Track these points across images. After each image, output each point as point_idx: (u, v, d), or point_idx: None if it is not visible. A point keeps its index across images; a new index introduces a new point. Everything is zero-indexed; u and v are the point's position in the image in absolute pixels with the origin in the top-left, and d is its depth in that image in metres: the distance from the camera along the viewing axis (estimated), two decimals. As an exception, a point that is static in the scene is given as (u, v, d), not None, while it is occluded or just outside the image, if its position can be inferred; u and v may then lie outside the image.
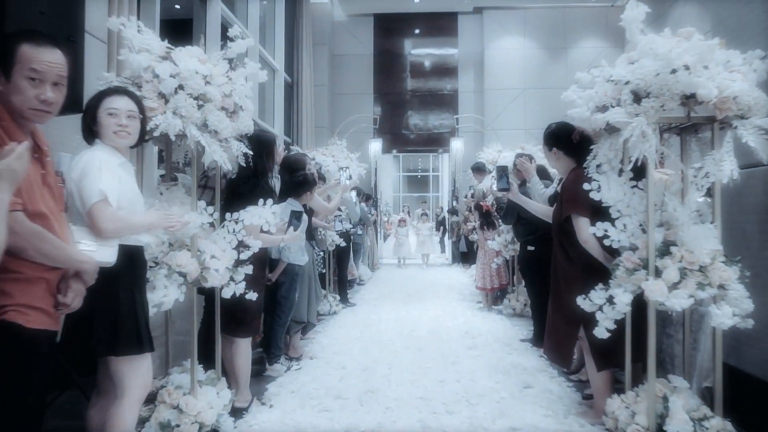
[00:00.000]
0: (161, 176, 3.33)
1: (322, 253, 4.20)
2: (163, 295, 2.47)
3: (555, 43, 12.03)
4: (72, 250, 1.66)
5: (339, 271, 6.60)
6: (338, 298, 6.36)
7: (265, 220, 2.82)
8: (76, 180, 1.91)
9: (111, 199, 1.88)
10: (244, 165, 2.94)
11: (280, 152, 3.77)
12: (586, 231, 2.66)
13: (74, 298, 1.71)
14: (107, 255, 1.86)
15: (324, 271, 4.29)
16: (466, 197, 10.55)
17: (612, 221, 2.61)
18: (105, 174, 1.89)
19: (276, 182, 3.83)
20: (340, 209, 5.86)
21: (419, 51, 12.70)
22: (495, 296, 6.42)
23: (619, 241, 2.59)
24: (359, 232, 7.58)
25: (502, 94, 11.99)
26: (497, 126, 11.26)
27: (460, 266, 11.26)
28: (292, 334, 4.09)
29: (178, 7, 8.24)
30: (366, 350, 4.36)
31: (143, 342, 1.96)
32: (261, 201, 2.84)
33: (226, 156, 2.69)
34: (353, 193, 6.84)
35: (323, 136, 10.60)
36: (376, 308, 6.40)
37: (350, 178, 6.60)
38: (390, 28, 12.60)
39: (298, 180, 3.78)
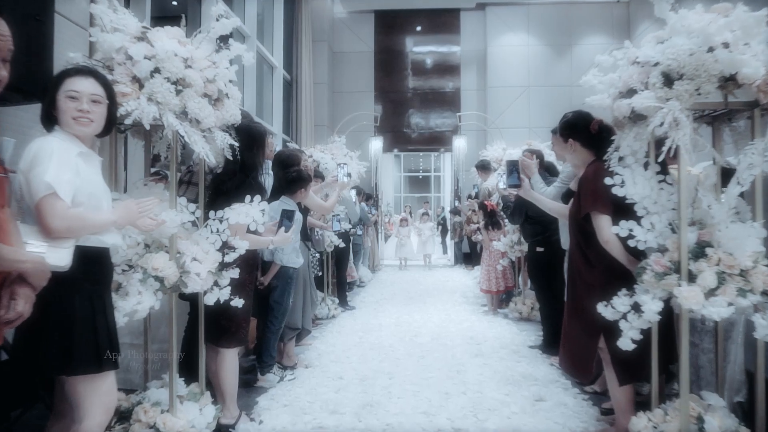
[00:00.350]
0: (152, 174, 3.06)
1: (318, 255, 3.94)
2: (137, 302, 2.20)
3: (559, 40, 11.76)
4: (6, 250, 1.39)
5: (338, 273, 6.33)
6: (337, 301, 6.09)
7: (252, 218, 2.55)
8: (25, 171, 1.64)
9: (62, 193, 1.61)
10: (231, 159, 2.68)
11: (271, 146, 3.51)
12: (607, 230, 2.38)
13: (23, 305, 1.45)
14: (59, 257, 1.59)
15: (320, 273, 4.04)
16: (469, 197, 10.29)
17: (637, 220, 2.33)
18: (56, 164, 1.62)
19: (268, 179, 3.56)
20: (338, 209, 5.59)
21: (421, 48, 12.44)
22: (500, 299, 6.15)
23: (645, 242, 2.31)
24: (359, 232, 7.31)
25: (506, 92, 11.72)
26: (500, 124, 10.98)
27: (463, 267, 10.98)
28: (285, 341, 3.82)
29: (175, 3, 7.98)
30: (365, 358, 4.08)
31: (102, 359, 1.69)
32: (248, 198, 2.57)
33: (209, 148, 2.42)
34: (353, 192, 6.57)
35: (323, 135, 10.34)
36: (377, 312, 6.13)
37: (349, 175, 6.32)
38: (391, 25, 12.34)
39: (291, 176, 3.51)
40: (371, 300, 6.99)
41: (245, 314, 2.76)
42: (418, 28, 12.46)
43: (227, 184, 2.71)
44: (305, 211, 3.91)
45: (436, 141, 12.47)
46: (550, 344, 4.32)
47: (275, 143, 3.50)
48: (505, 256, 5.85)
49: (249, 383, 3.48)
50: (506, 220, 5.90)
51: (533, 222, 4.27)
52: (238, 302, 2.52)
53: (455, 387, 3.41)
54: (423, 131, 12.45)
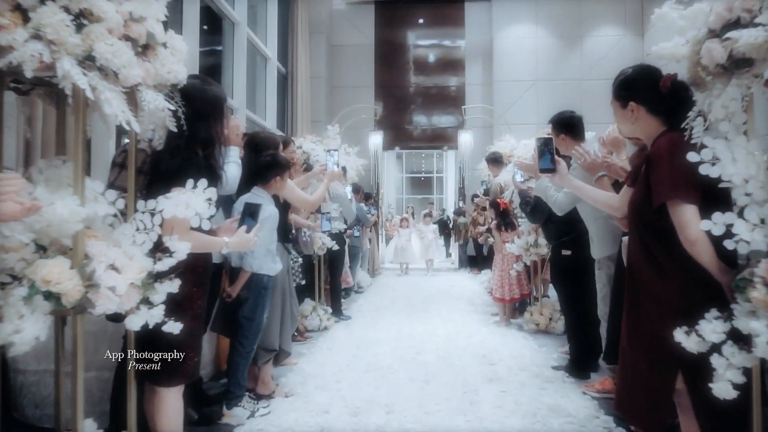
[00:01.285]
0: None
1: (300, 260, 3.24)
2: (13, 330, 1.49)
3: (569, 32, 11.05)
4: None
5: (332, 279, 5.61)
6: (330, 310, 5.36)
7: (193, 211, 1.83)
8: None
9: None
10: (176, 132, 1.97)
11: (237, 128, 2.79)
12: (695, 226, 1.66)
13: None
14: None
15: (303, 282, 3.34)
16: (474, 198, 9.56)
17: (739, 212, 1.61)
18: None
19: (233, 169, 2.84)
20: (329, 206, 4.87)
21: (423, 41, 11.73)
22: (514, 308, 5.42)
23: (749, 243, 1.59)
24: (356, 233, 6.59)
25: (513, 87, 11.00)
26: (507, 120, 10.23)
27: (468, 271, 10.25)
28: (260, 364, 3.10)
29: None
30: (359, 384, 3.36)
31: None
32: (191, 183, 1.86)
33: (129, 112, 1.71)
34: (348, 189, 5.86)
35: (320, 131, 9.62)
36: (375, 323, 5.40)
37: (340, 167, 5.61)
38: (392, 17, 11.64)
39: (264, 161, 2.81)
40: (369, 308, 6.26)
41: (191, 341, 2.04)
42: (421, 21, 11.76)
43: (167, 163, 2.00)
44: (285, 206, 3.19)
45: (440, 138, 11.75)
46: (579, 365, 3.60)
47: (242, 125, 2.78)
48: (520, 260, 5.13)
49: (211, 419, 2.76)
50: (521, 220, 5.19)
51: (558, 220, 3.54)
52: (173, 327, 1.80)
53: (469, 425, 2.69)
54: (425, 128, 11.73)
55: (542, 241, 4.93)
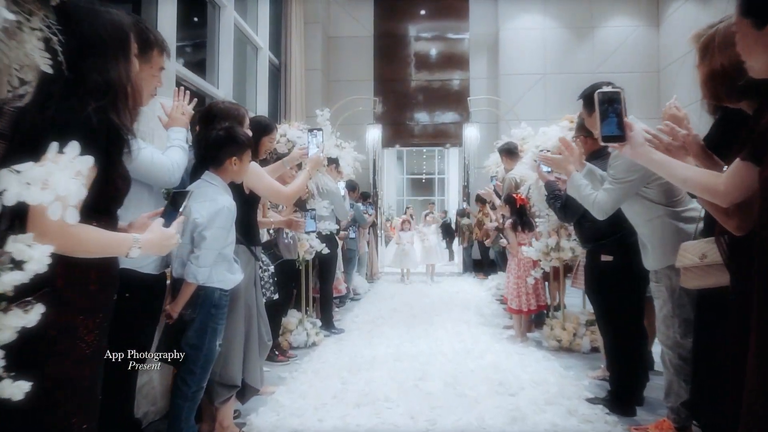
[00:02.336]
0: None
1: (271, 269, 2.50)
2: None
3: (579, 22, 10.32)
4: None
5: (322, 287, 4.87)
6: (320, 324, 4.62)
7: (53, 193, 1.09)
8: None
9: None
10: (51, 74, 1.24)
11: (181, 104, 2.06)
12: None
13: None
14: None
15: (275, 297, 2.59)
16: (478, 200, 8.80)
17: None
18: None
19: (180, 154, 2.10)
20: (316, 203, 4.13)
21: (425, 33, 11.00)
22: (530, 321, 4.67)
23: None
24: (351, 235, 5.85)
25: (520, 80, 10.26)
26: (514, 116, 9.49)
27: (473, 276, 9.50)
28: (217, 404, 2.35)
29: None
30: (346, 426, 2.61)
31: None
32: (55, 149, 1.12)
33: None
34: (341, 185, 5.11)
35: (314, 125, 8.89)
36: (371, 337, 4.65)
37: (334, 161, 4.87)
38: (392, 8, 10.91)
39: (215, 137, 2.07)
40: (365, 319, 5.51)
41: (75, 399, 1.29)
42: (423, 12, 11.03)
43: (33, 120, 1.26)
44: (250, 199, 2.45)
45: (442, 135, 11.00)
46: (622, 399, 2.85)
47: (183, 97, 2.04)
48: (538, 266, 4.39)
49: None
50: (539, 220, 4.45)
51: (596, 219, 2.81)
52: (15, 391, 1.05)
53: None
54: (427, 124, 10.99)
55: (566, 243, 4.18)
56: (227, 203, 2.04)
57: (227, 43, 7.08)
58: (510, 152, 4.94)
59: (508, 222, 4.58)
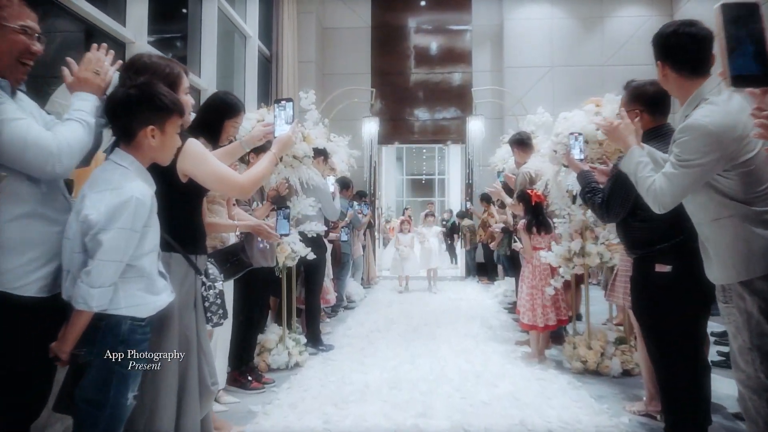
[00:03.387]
0: None
1: (217, 285, 1.83)
2: None
3: (588, 12, 9.65)
4: None
5: (307, 297, 4.19)
6: (304, 340, 3.95)
7: None
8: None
9: None
10: None
11: (93, 57, 1.41)
12: None
13: None
14: None
15: (222, 322, 1.93)
16: (488, 197, 8.13)
17: None
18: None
19: (78, 129, 1.44)
20: (298, 203, 3.47)
21: (425, 24, 10.34)
22: (548, 337, 4.00)
23: None
24: (343, 237, 5.18)
25: (526, 73, 9.59)
26: (519, 110, 8.83)
27: (477, 281, 8.83)
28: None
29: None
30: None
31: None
32: None
33: None
34: (331, 180, 4.45)
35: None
36: (364, 356, 3.97)
37: (321, 152, 4.20)
38: (391, -2, 10.26)
39: (124, 96, 1.41)
40: (359, 332, 4.83)
41: None
42: (423, 2, 10.37)
43: None
44: (187, 190, 1.76)
45: (443, 131, 10.33)
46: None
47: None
48: (557, 274, 3.73)
49: None
50: (559, 220, 3.79)
51: (650, 217, 2.14)
52: None
53: None
54: (427, 120, 10.32)
55: (592, 248, 3.51)
56: (137, 192, 1.37)
57: (211, 28, 6.43)
58: (523, 143, 4.28)
59: (522, 222, 3.91)
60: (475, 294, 7.27)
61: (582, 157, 2.64)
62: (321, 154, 4.22)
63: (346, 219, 5.73)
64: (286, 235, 2.69)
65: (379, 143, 9.99)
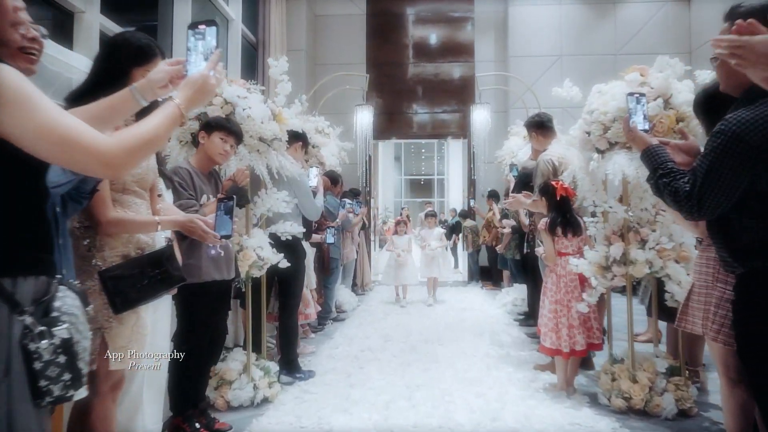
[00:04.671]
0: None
1: (61, 334, 1.10)
2: None
3: (600, -2, 8.90)
4: None
5: (281, 314, 3.40)
6: (276, 369, 3.16)
7: None
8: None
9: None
10: None
11: None
12: None
13: None
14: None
15: (71, 394, 1.25)
16: (494, 195, 7.36)
17: None
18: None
19: None
20: (239, 192, 2.67)
21: (425, 12, 9.56)
22: (576, 365, 3.21)
23: None
24: (329, 240, 4.39)
25: (532, 63, 8.81)
26: (525, 103, 8.05)
27: (480, 286, 8.05)
28: None
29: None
30: None
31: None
32: None
33: None
34: (314, 172, 3.66)
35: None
36: (350, 387, 3.19)
37: (299, 136, 3.42)
38: (387, -16, 9.49)
39: None
40: (347, 352, 4.04)
41: None
42: (421, -12, 9.60)
43: None
44: (13, 164, 0.98)
45: (443, 126, 9.56)
46: None
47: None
48: (588, 287, 2.95)
49: None
50: (590, 220, 3.01)
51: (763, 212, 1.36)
52: None
53: None
54: (427, 113, 9.53)
55: (639, 254, 2.74)
56: None
57: (185, 4, 5.65)
58: (543, 126, 3.50)
59: (544, 222, 3.12)
60: (480, 302, 6.48)
61: (647, 127, 1.86)
62: (298, 138, 3.44)
63: (338, 220, 4.95)
64: (228, 237, 1.90)
65: (375, 138, 9.21)
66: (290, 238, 3.19)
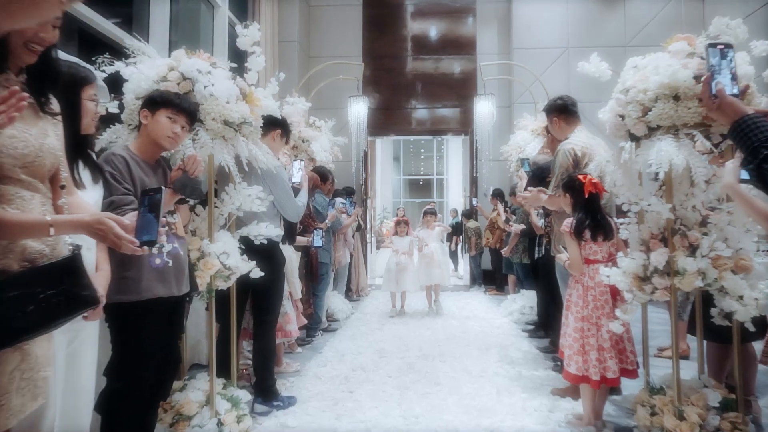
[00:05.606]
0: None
1: None
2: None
3: (608, -13, 8.38)
4: None
5: (256, 332, 2.86)
6: (249, 396, 2.64)
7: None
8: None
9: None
10: None
11: None
12: None
13: None
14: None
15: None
16: (499, 194, 6.85)
17: None
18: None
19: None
20: (188, 185, 2.12)
21: (424, 1, 9.04)
22: (606, 393, 2.68)
23: None
24: (317, 243, 3.86)
25: (537, 56, 8.29)
26: (530, 98, 7.52)
27: (483, 291, 7.53)
28: None
29: None
30: None
31: None
32: None
33: None
34: (296, 166, 3.13)
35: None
36: (335, 421, 2.65)
37: (277, 123, 2.87)
38: (385, -27, 8.97)
39: None
40: (337, 372, 3.50)
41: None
42: (421, -22, 9.08)
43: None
44: None
45: (443, 122, 9.03)
46: None
47: None
48: (621, 301, 2.43)
49: None
50: (621, 221, 2.49)
51: None
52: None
53: None
54: (426, 109, 9.00)
55: (690, 263, 2.21)
56: None
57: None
58: (566, 110, 2.96)
59: (568, 223, 2.59)
60: (485, 310, 5.95)
61: (737, 91, 1.34)
62: (277, 125, 2.91)
63: (327, 221, 4.43)
64: (151, 243, 1.37)
65: (371, 135, 8.70)
66: (265, 241, 2.66)
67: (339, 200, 4.89)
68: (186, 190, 1.94)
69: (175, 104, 1.99)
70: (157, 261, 1.89)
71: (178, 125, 2.01)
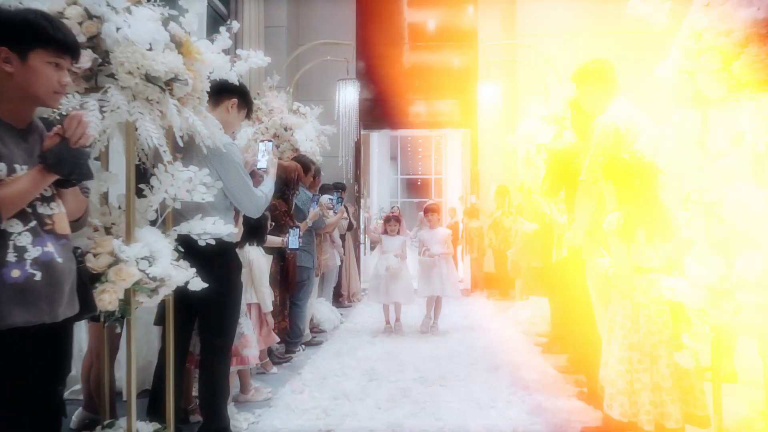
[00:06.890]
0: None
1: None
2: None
3: (619, -30, 7.73)
4: None
5: (204, 358, 2.19)
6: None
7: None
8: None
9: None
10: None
11: None
12: None
13: None
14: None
15: None
16: (505, 191, 6.20)
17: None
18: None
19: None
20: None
21: (421, -13, 8.37)
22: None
23: None
24: (293, 245, 3.17)
25: (542, 44, 7.63)
26: (535, 87, 6.86)
27: (485, 297, 6.87)
28: None
29: None
30: None
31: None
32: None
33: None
34: (261, 148, 2.44)
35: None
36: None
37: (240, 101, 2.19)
38: (380, -45, 8.30)
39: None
40: (314, 403, 2.81)
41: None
42: (418, -38, 8.42)
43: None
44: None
45: (442, 115, 8.37)
46: None
47: None
48: (687, 324, 1.76)
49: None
50: (683, 212, 1.82)
51: None
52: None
53: None
54: (423, 101, 8.33)
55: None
56: None
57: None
58: (603, 75, 2.28)
59: (612, 219, 1.92)
60: (489, 318, 5.27)
61: None
62: (232, 93, 2.24)
63: (307, 221, 3.76)
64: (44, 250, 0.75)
65: (366, 129, 8.05)
66: (213, 242, 1.99)
67: (326, 196, 4.22)
68: (64, 167, 1.27)
69: (55, 40, 1.31)
70: (15, 273, 1.22)
71: (64, 72, 1.35)
